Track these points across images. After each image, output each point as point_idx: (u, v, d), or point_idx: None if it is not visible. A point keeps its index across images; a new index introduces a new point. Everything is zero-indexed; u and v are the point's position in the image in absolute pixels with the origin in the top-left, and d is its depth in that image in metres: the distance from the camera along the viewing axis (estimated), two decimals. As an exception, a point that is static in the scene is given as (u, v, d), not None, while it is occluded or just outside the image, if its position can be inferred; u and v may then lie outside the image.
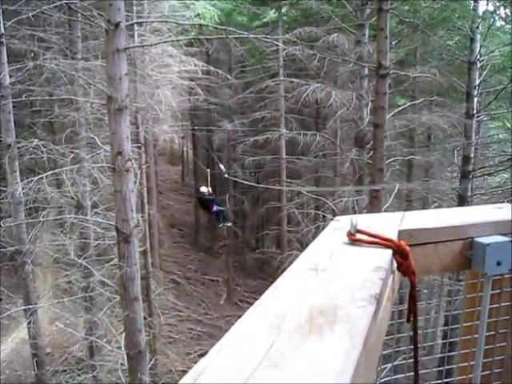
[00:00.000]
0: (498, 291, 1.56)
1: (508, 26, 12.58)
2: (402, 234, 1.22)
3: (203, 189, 11.65)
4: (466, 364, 1.64)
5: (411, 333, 1.31)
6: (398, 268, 1.08)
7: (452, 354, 1.89)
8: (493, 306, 1.58)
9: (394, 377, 1.79)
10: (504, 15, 12.65)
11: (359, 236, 1.08)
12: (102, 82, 8.17)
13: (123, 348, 8.85)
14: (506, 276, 1.54)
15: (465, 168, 10.99)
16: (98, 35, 10.24)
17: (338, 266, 0.96)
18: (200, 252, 21.25)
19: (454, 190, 10.92)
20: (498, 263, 1.36)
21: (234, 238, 19.63)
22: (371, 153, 8.14)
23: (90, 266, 9.43)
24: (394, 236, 1.15)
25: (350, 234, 1.09)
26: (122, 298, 8.29)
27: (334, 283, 0.87)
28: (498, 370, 1.68)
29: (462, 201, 10.47)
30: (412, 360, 1.38)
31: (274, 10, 14.52)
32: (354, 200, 8.62)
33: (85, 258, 9.61)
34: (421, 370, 1.96)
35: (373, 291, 0.83)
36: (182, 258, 20.48)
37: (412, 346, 1.32)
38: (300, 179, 13.56)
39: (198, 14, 12.40)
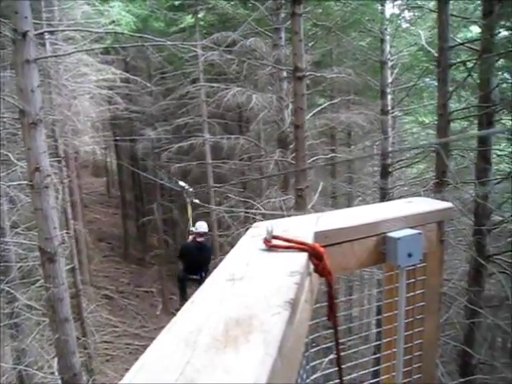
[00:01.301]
0: (413, 280, 1.65)
1: (413, 28, 13.38)
2: (318, 235, 1.25)
3: (202, 226, 6.76)
4: (389, 351, 1.71)
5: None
6: (315, 270, 1.11)
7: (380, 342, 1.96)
8: (409, 294, 1.66)
9: (325, 371, 1.84)
10: (409, 18, 13.46)
11: (275, 242, 1.10)
12: (13, 95, 7.74)
13: (57, 373, 8.44)
14: (419, 266, 1.63)
15: (384, 162, 11.53)
16: (4, 44, 9.69)
17: (255, 274, 0.97)
18: (131, 264, 20.73)
19: (376, 184, 11.44)
20: (410, 255, 1.44)
21: (166, 247, 19.34)
22: (294, 153, 8.34)
23: (13, 291, 8.89)
24: (309, 238, 1.18)
25: (266, 241, 1.10)
26: (51, 320, 7.93)
27: (250, 292, 0.88)
28: (418, 353, 1.77)
29: (384, 193, 10.99)
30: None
31: (190, 16, 14.47)
32: (281, 200, 8.78)
33: (7, 283, 9.04)
34: (360, 359, 2.03)
35: (288, 297, 0.85)
36: (114, 272, 19.88)
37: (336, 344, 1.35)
38: (227, 183, 13.60)
39: (113, 21, 12.08)
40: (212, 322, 0.77)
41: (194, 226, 7.05)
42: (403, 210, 1.54)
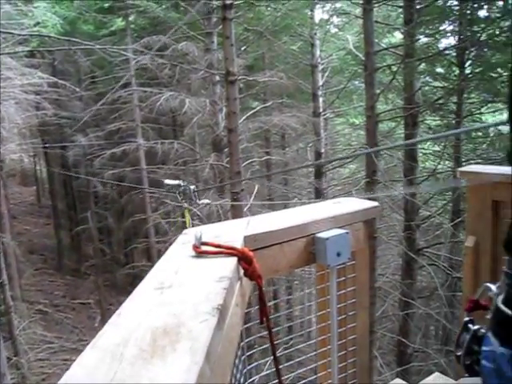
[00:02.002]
0: (343, 279, 1.71)
1: (341, 33, 13.86)
2: (247, 239, 1.27)
3: None
4: (325, 349, 1.76)
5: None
6: (245, 273, 1.12)
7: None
8: (340, 292, 1.72)
9: (267, 372, 1.85)
10: (337, 23, 13.93)
11: (204, 248, 1.10)
12: None
13: (-15, 397, 7.96)
14: (349, 264, 1.69)
15: (318, 164, 11.78)
16: None
17: (184, 282, 0.97)
18: (66, 275, 19.94)
19: (311, 185, 11.69)
20: (339, 254, 1.49)
21: (102, 256, 18.77)
22: (229, 157, 8.36)
23: None
24: (239, 243, 1.19)
25: (195, 247, 1.10)
26: (-23, 341, 7.47)
27: (179, 300, 0.88)
28: (352, 348, 1.83)
29: (319, 193, 11.26)
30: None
31: (121, 19, 14.12)
32: (218, 204, 8.77)
33: None
34: (301, 357, 2.06)
35: (216, 303, 0.85)
36: (47, 285, 19.03)
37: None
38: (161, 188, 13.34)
39: (38, 23, 11.56)
40: (139, 333, 0.76)
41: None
42: (332, 210, 1.59)
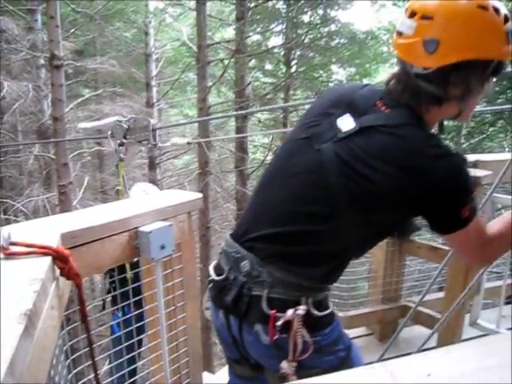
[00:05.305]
0: (170, 270, 1.73)
1: (176, 24, 13.83)
2: (65, 236, 1.21)
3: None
4: (155, 342, 1.77)
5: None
6: (61, 273, 1.07)
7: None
8: (168, 284, 1.74)
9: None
10: (172, 13, 13.88)
11: (14, 249, 1.02)
12: None
13: None
14: (175, 256, 1.71)
15: (151, 155, 11.55)
16: None
17: (-12, 289, 0.88)
18: None
19: (145, 176, 11.47)
20: (163, 247, 1.50)
21: None
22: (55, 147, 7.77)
23: None
24: (54, 241, 1.12)
25: (3, 249, 1.01)
26: None
27: (-19, 310, 0.80)
28: (183, 338, 1.87)
29: (153, 185, 11.10)
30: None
31: None
32: (45, 198, 8.12)
33: None
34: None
35: (24, 308, 0.80)
36: None
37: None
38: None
39: None
40: None
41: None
42: (155, 203, 1.60)
